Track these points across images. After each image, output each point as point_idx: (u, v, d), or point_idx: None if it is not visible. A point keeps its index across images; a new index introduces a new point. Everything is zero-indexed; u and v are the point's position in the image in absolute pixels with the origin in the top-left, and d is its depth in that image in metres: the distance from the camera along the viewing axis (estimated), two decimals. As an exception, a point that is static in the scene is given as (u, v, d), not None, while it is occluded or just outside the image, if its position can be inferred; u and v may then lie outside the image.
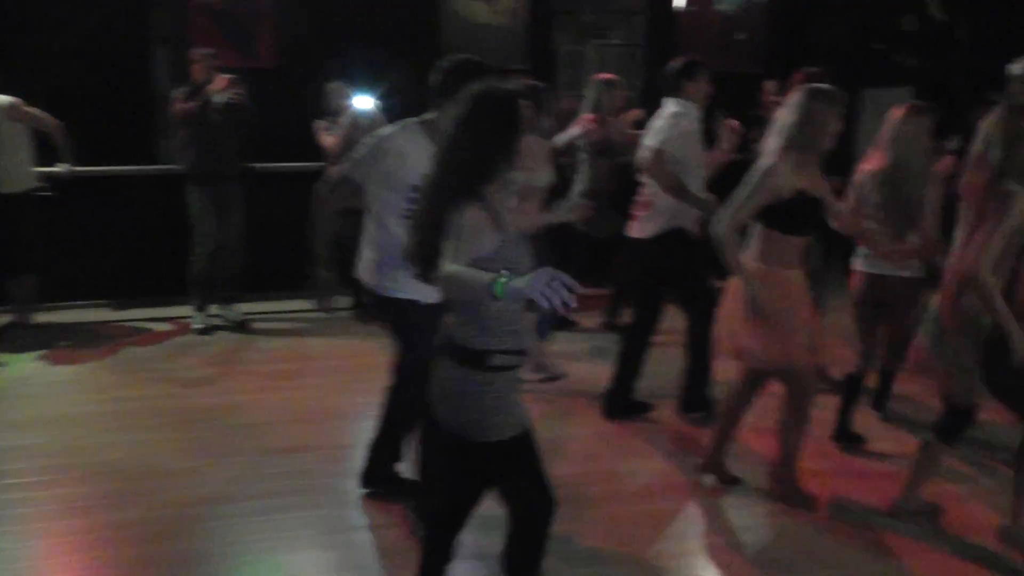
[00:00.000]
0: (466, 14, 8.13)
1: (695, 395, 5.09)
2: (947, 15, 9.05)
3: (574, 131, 6.07)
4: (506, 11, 8.20)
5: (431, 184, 2.58)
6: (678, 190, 4.69)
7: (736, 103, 6.07)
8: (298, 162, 7.17)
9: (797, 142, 3.72)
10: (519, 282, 2.18)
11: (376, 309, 3.73)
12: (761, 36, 9.04)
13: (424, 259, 2.55)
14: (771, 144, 3.81)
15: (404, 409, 3.78)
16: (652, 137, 4.78)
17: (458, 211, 2.44)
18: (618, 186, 5.88)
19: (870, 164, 4.60)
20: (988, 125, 3.47)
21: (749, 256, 3.87)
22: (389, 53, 7.30)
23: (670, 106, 4.85)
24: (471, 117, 2.52)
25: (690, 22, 8.81)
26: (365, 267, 3.68)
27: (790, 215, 3.75)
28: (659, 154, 4.69)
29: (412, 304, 3.48)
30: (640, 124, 5.55)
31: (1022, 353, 3.34)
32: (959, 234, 3.58)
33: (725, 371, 4.48)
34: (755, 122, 6.57)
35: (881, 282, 4.59)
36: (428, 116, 3.51)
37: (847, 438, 4.82)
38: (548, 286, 2.12)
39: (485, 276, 2.26)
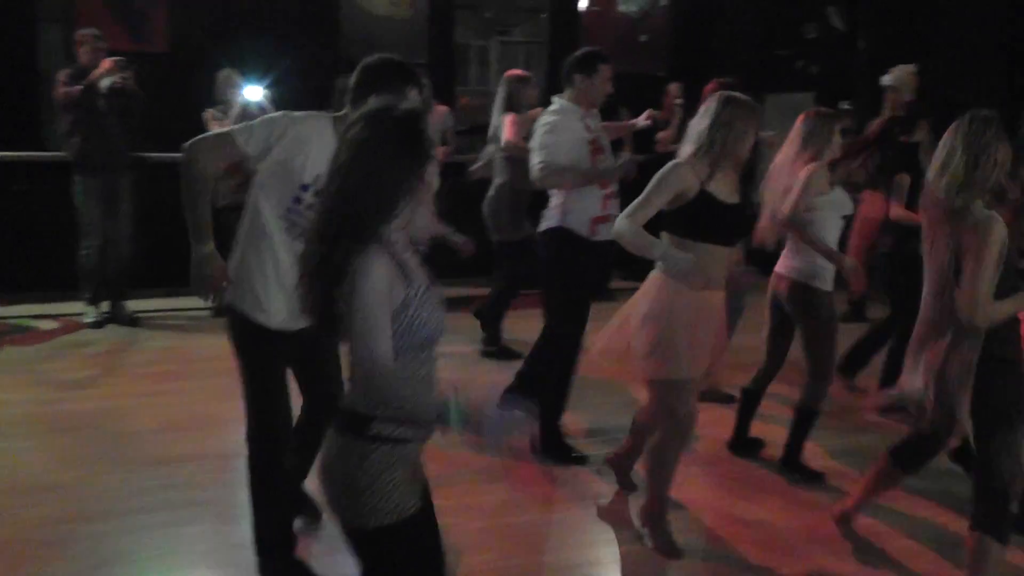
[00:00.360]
0: (366, 5, 7.97)
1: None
2: (848, 24, 9.24)
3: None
4: (406, 3, 8.05)
5: (322, 221, 2.13)
6: (585, 177, 4.45)
7: (639, 104, 6.08)
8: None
9: (710, 148, 3.60)
10: (470, 416, 2.05)
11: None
12: (665, 38, 9.11)
13: (320, 312, 2.14)
14: (685, 149, 3.69)
15: (261, 428, 3.38)
16: (536, 152, 4.50)
17: (358, 259, 2.05)
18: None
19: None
20: (949, 136, 3.29)
21: (658, 271, 3.68)
22: (285, 42, 7.12)
23: (552, 107, 4.60)
24: (367, 143, 2.11)
25: (594, 21, 8.82)
26: (230, 262, 3.28)
27: (698, 217, 3.59)
28: (545, 168, 4.43)
29: (246, 322, 3.19)
30: None
31: None
32: (928, 264, 3.37)
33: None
34: (658, 124, 6.58)
35: (782, 284, 4.51)
36: (340, 113, 3.17)
37: (744, 447, 4.86)
38: (500, 427, 2.03)
39: (433, 400, 2.11)
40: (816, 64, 9.36)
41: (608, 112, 6.26)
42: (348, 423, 2.17)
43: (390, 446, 2.15)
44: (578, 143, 4.50)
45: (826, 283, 4.44)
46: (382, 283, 2.06)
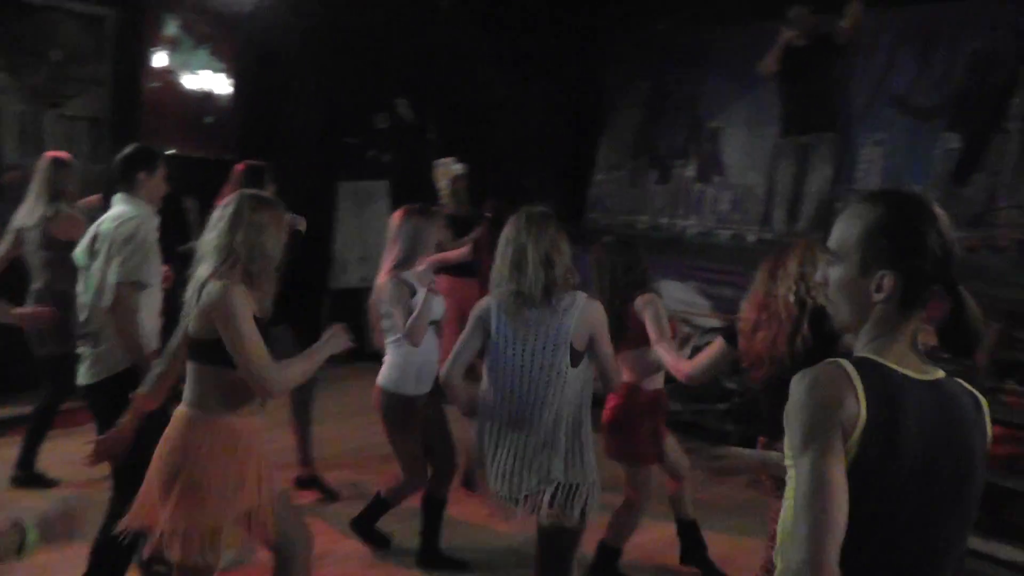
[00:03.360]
0: None
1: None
2: (416, 116, 9.70)
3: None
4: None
5: None
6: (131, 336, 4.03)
7: (206, 190, 5.92)
8: None
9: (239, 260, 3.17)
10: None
11: None
12: (232, 120, 8.85)
13: None
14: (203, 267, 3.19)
15: None
16: (114, 267, 3.99)
17: None
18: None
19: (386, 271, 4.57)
20: (511, 231, 3.56)
21: (185, 402, 3.21)
22: None
23: (123, 207, 4.19)
24: None
25: (157, 98, 8.34)
26: None
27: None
28: (123, 288, 3.97)
29: None
30: (95, 215, 4.86)
31: None
32: None
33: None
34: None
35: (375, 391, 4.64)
36: None
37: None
38: None
39: None
40: (387, 153, 9.69)
41: (172, 202, 6.05)
42: None
43: None
44: (154, 253, 4.18)
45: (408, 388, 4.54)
46: None
